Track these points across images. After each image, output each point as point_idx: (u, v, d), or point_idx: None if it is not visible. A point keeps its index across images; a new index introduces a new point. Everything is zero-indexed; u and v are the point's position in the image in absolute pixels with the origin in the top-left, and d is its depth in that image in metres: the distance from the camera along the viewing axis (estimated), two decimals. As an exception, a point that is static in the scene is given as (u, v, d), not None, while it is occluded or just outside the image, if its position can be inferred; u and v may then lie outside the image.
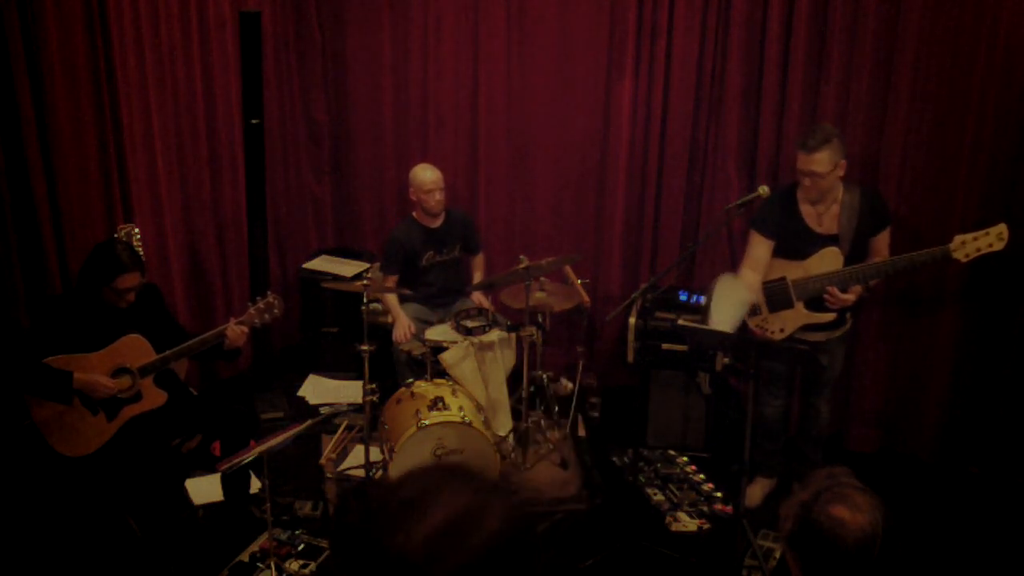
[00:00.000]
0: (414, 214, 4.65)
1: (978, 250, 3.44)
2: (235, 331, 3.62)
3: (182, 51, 4.56)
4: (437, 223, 4.65)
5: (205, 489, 3.88)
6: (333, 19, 5.25)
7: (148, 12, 4.31)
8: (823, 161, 3.50)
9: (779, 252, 3.75)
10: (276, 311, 3.73)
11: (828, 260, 3.64)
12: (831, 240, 3.64)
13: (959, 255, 3.46)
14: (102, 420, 3.44)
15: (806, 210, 3.67)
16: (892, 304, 4.37)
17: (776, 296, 3.74)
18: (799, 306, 3.72)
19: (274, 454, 3.26)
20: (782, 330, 3.76)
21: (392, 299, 4.54)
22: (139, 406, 3.50)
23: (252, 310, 3.71)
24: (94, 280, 3.41)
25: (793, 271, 3.71)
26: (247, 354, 5.18)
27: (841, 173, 3.58)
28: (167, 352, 3.54)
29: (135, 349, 3.49)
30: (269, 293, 3.78)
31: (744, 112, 4.61)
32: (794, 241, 3.70)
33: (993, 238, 3.42)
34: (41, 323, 3.48)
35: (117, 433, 3.47)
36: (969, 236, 3.45)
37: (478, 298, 4.68)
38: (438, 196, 4.53)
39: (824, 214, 3.65)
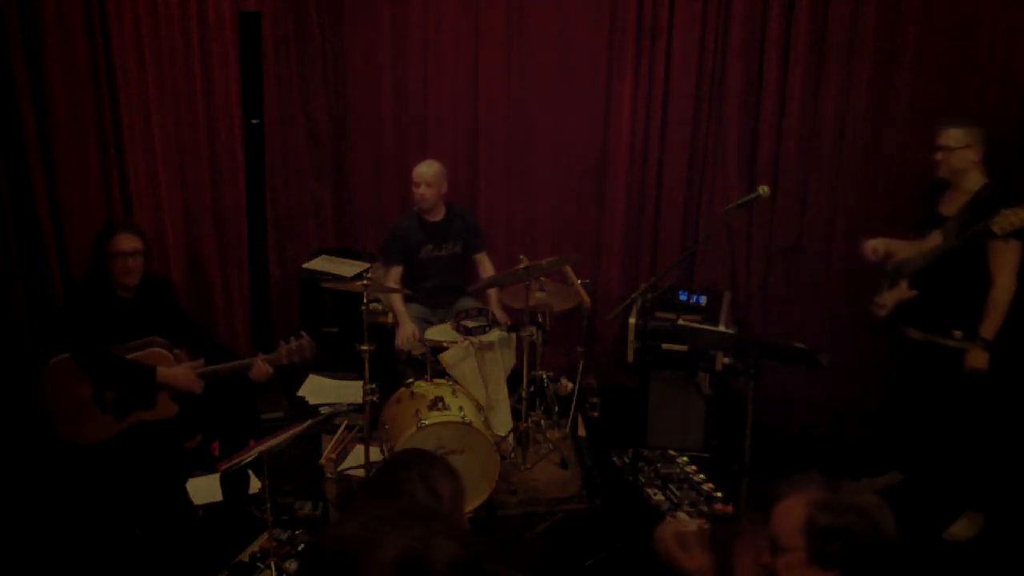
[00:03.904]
0: (415, 208, 4.66)
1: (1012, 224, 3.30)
2: (261, 369, 3.60)
3: (182, 51, 4.56)
4: (436, 218, 4.65)
5: (205, 489, 3.88)
6: (333, 19, 5.25)
7: (148, 12, 4.31)
8: (954, 136, 3.52)
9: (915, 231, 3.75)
10: (307, 354, 3.68)
11: (929, 243, 3.61)
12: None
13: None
14: (109, 418, 3.45)
15: (947, 194, 3.65)
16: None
17: (895, 273, 3.74)
18: (903, 284, 3.71)
19: (274, 454, 3.26)
20: (884, 306, 3.79)
21: (398, 304, 4.52)
22: (148, 413, 3.50)
23: (283, 350, 3.66)
24: (98, 258, 3.38)
25: (911, 250, 3.71)
26: (247, 354, 5.17)
27: (973, 158, 3.52)
28: None
29: (159, 361, 3.48)
30: (303, 335, 3.72)
31: (744, 112, 4.61)
32: (928, 218, 3.69)
33: None
34: (80, 313, 3.44)
35: (121, 434, 3.47)
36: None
37: (494, 302, 4.67)
38: (421, 190, 4.52)
39: (954, 202, 3.61)
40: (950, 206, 3.61)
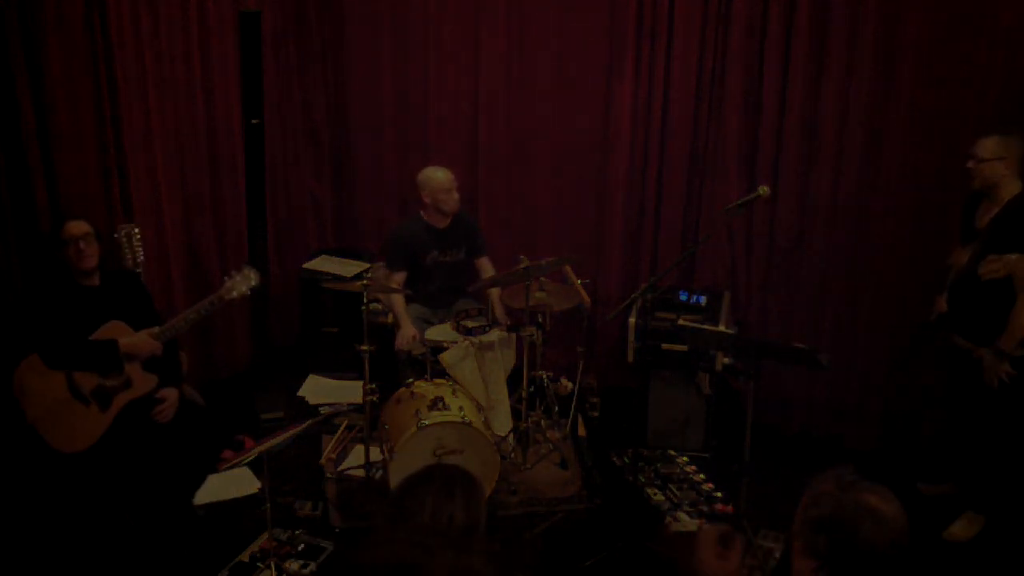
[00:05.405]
0: (422, 213, 4.63)
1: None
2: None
3: (182, 51, 4.56)
4: (444, 224, 4.63)
5: (205, 489, 3.88)
6: (333, 19, 5.25)
7: (148, 12, 4.31)
8: (987, 146, 3.48)
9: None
10: (253, 283, 3.72)
11: (961, 258, 3.58)
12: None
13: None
14: (95, 411, 3.45)
15: (983, 205, 3.60)
16: (891, 303, 4.37)
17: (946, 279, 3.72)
18: (943, 296, 3.70)
19: (274, 454, 3.26)
20: (932, 309, 3.80)
21: (399, 305, 4.51)
22: (130, 393, 3.51)
23: (227, 284, 3.69)
24: (53, 252, 3.46)
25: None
26: (247, 354, 5.19)
27: (1005, 170, 3.45)
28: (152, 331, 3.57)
29: (117, 333, 3.50)
30: (243, 266, 3.77)
31: (744, 112, 4.61)
32: (965, 230, 3.66)
33: None
34: (41, 313, 3.48)
35: (114, 423, 3.48)
36: None
37: (495, 299, 4.66)
38: (455, 195, 4.52)
39: (987, 214, 3.55)
40: (984, 218, 3.55)
